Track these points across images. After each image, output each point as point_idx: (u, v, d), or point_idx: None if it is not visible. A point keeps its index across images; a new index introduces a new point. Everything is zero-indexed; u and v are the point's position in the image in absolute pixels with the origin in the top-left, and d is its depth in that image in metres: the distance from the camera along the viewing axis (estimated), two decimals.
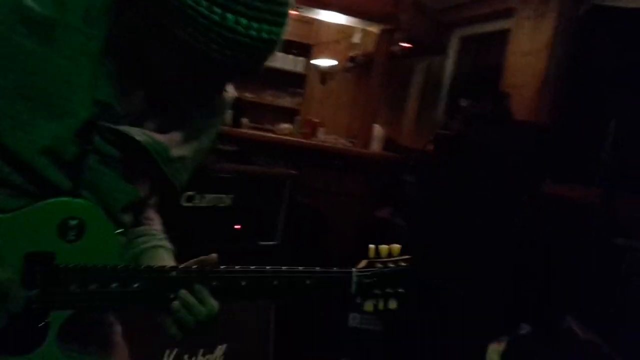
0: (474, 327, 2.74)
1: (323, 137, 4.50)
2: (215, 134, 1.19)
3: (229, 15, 0.85)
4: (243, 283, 1.08)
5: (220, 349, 2.02)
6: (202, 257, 1.10)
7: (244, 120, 4.47)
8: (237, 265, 1.09)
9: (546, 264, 3.07)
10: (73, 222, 0.97)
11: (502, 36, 4.31)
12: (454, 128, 3.39)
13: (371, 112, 4.61)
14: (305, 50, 5.56)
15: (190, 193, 2.29)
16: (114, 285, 0.99)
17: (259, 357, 2.19)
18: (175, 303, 1.03)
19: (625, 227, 3.10)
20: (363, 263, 1.19)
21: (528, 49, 3.92)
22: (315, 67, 5.36)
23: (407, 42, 4.80)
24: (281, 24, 0.91)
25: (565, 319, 2.75)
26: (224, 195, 2.39)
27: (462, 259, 2.94)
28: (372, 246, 1.21)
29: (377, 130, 4.30)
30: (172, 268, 1.07)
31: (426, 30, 5.01)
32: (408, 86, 5.17)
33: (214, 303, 1.05)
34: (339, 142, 4.39)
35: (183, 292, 1.03)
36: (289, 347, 2.40)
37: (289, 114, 5.58)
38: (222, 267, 1.09)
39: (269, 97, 5.63)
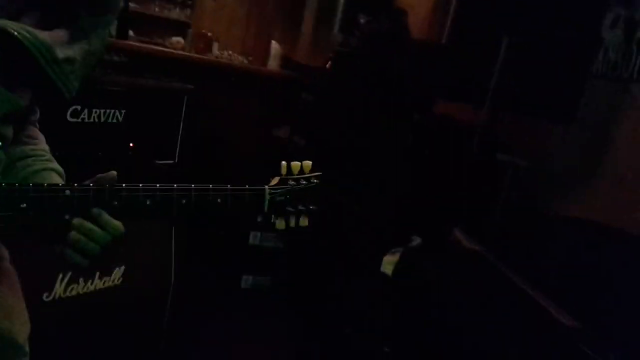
0: (370, 241, 2.85)
1: (217, 53, 4.31)
2: (107, 36, 1.08)
3: None
4: (148, 202, 1.02)
5: (119, 271, 1.95)
6: (99, 175, 1.02)
7: (131, 33, 4.16)
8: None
9: (435, 180, 3.23)
10: None
11: None
12: (352, 45, 3.37)
13: (267, 28, 4.46)
14: None
15: (76, 107, 2.10)
16: None
17: (160, 278, 2.15)
18: (73, 234, 0.95)
19: (508, 145, 3.32)
20: (275, 180, 1.17)
21: None
22: None
23: None
24: None
25: (452, 231, 2.94)
26: (115, 111, 2.23)
27: (358, 176, 3.01)
28: (284, 163, 1.18)
29: (274, 47, 4.18)
30: (67, 186, 0.97)
31: None
32: (304, 2, 5.03)
33: (116, 224, 0.98)
34: (235, 58, 4.23)
35: (78, 222, 0.96)
36: (190, 266, 2.38)
37: (178, 28, 5.26)
38: (123, 185, 1.01)
39: (156, 9, 5.27)
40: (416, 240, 2.87)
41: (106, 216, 0.97)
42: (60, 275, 1.82)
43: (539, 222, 2.95)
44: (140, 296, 2.06)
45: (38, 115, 1.16)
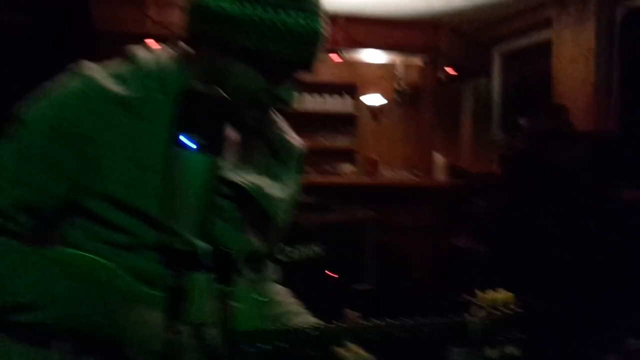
0: (578, 349, 2.71)
1: (385, 173, 4.60)
2: (299, 182, 1.29)
3: (280, 11, 1.03)
4: (369, 336, 1.14)
5: None
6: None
7: (306, 167, 4.62)
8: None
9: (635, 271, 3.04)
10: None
11: (543, 47, 4.39)
12: (517, 147, 3.44)
13: (427, 142, 4.70)
14: (351, 90, 5.70)
15: (284, 247, 2.41)
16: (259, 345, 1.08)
17: None
18: None
19: None
20: (480, 311, 1.21)
21: (572, 56, 3.98)
22: (364, 105, 5.50)
23: (451, 68, 4.91)
24: (319, 15, 1.07)
25: None
26: (315, 246, 2.51)
27: (550, 276, 2.94)
28: (482, 294, 1.23)
29: (438, 158, 4.38)
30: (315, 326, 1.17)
31: (467, 52, 5.12)
32: (459, 110, 5.25)
33: (369, 356, 1.12)
34: (403, 175, 4.48)
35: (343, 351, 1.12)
36: None
37: (345, 155, 5.67)
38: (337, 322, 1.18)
39: (322, 141, 5.74)
40: (634, 344, 2.66)
41: (361, 351, 1.12)
42: None
43: None
44: None
45: (273, 251, 1.37)
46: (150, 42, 1.33)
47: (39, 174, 1.05)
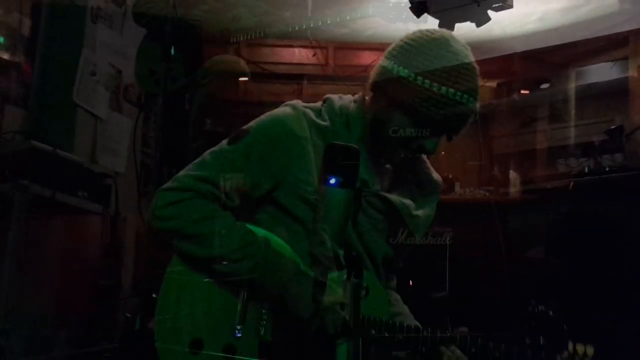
0: None
1: (460, 191, 4.76)
2: (434, 211, 1.64)
3: (445, 89, 1.38)
4: (473, 350, 1.41)
5: None
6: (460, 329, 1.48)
7: None
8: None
9: None
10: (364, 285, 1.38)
11: (620, 65, 4.43)
12: (589, 165, 3.54)
13: (502, 159, 4.82)
14: None
15: None
16: (386, 334, 1.40)
17: None
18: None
19: None
20: (565, 354, 1.40)
21: None
22: None
23: (525, 89, 5.03)
24: (474, 97, 1.45)
25: None
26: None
27: (623, 290, 3.00)
28: (570, 344, 1.40)
29: (512, 175, 4.50)
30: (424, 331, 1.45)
31: (541, 73, 5.21)
32: (535, 127, 5.32)
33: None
34: (477, 193, 4.64)
35: (448, 350, 1.39)
36: None
37: None
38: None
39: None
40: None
41: (459, 352, 1.40)
42: None
43: None
44: None
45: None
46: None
47: (256, 171, 1.43)
